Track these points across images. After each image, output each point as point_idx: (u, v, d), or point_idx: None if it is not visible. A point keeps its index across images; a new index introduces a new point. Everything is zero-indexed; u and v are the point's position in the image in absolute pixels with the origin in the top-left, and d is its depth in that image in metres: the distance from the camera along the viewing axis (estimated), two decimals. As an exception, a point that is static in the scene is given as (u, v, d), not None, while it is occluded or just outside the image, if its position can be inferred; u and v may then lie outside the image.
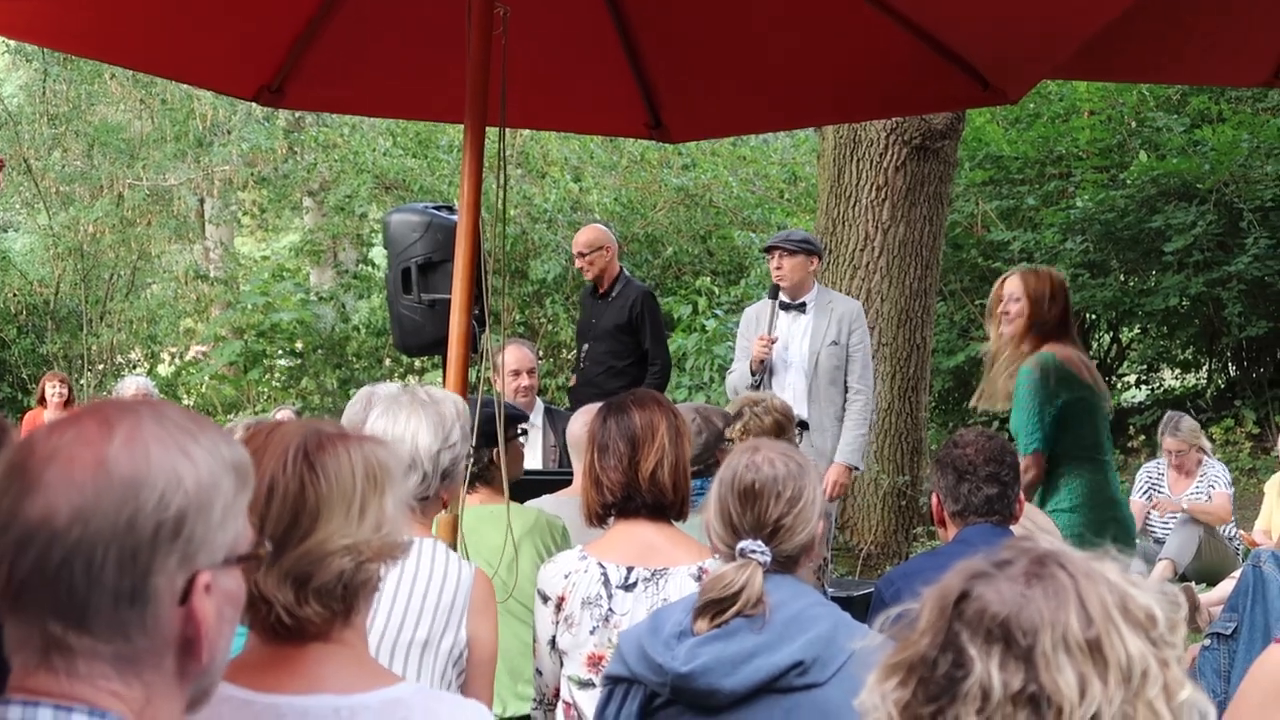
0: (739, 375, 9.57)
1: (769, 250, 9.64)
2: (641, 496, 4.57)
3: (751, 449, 3.93)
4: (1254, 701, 3.47)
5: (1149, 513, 11.79)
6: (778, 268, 9.46)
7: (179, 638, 2.04)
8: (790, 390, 9.29)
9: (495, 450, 5.61)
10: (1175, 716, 1.92)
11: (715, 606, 3.68)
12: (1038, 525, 6.10)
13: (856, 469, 9.75)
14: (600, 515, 4.70)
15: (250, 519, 2.56)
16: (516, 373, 9.55)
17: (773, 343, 9.30)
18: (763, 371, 9.32)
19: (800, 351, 9.42)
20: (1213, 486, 11.64)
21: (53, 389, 15.92)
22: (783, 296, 9.49)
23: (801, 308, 9.48)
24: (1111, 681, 1.87)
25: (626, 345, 10.59)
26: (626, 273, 11.05)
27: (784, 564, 3.79)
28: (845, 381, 9.46)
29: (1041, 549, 1.99)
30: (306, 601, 2.61)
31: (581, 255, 10.89)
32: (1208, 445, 12.20)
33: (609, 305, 10.74)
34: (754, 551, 3.70)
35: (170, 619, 2.02)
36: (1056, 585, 1.92)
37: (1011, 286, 7.40)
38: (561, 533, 5.69)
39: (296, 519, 2.62)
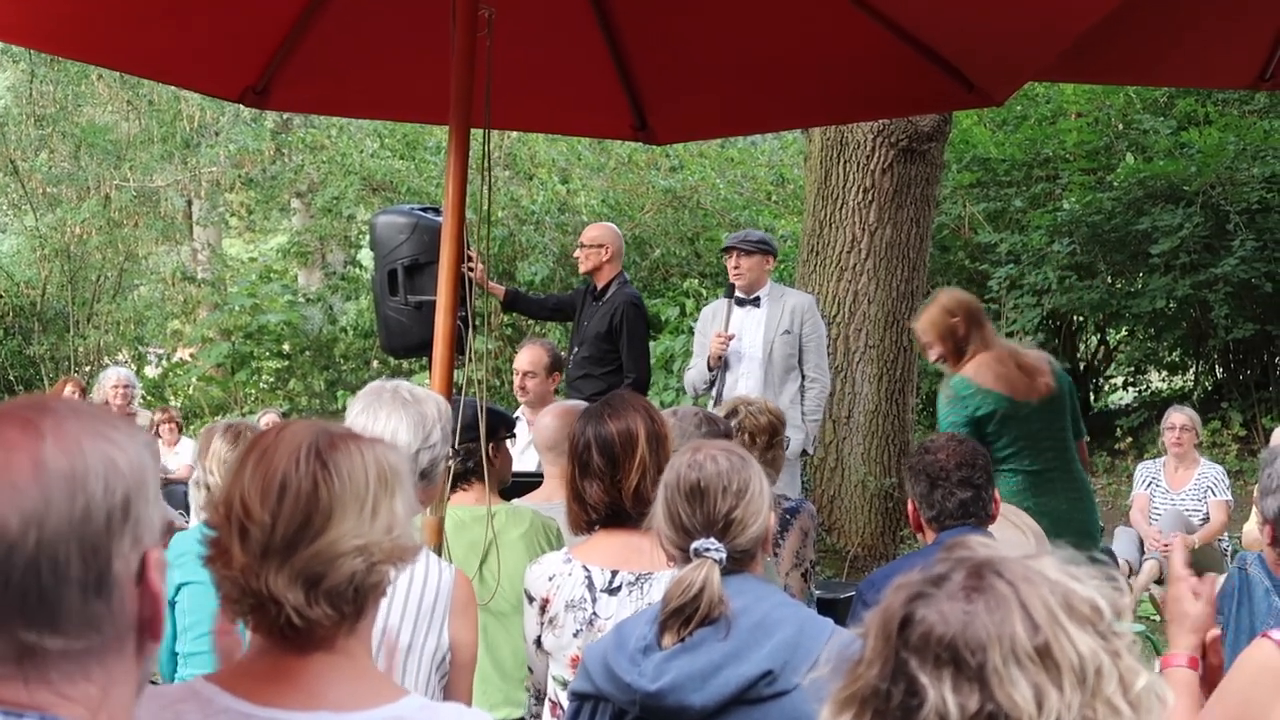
0: (697, 372, 9.97)
1: (726, 250, 9.98)
2: (627, 513, 4.54)
3: (692, 449, 3.90)
4: (1237, 687, 3.49)
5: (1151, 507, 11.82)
6: (735, 267, 9.88)
7: (139, 618, 2.04)
8: (744, 381, 9.57)
9: (488, 447, 5.62)
10: (1135, 707, 1.90)
11: (680, 616, 3.64)
12: (1021, 522, 6.10)
13: (808, 454, 10.32)
14: (586, 526, 4.68)
15: (261, 516, 2.56)
16: (516, 372, 9.72)
17: (730, 339, 9.52)
18: (721, 367, 9.54)
19: (754, 341, 9.77)
20: (1210, 491, 11.64)
21: (69, 394, 15.83)
22: (738, 293, 9.85)
23: (755, 302, 9.91)
24: (1067, 686, 1.85)
25: (606, 353, 10.64)
26: (625, 278, 11.07)
27: (740, 560, 3.75)
28: (800, 370, 9.73)
29: (977, 557, 1.97)
30: (317, 603, 2.56)
31: (582, 246, 10.95)
32: (1202, 434, 12.25)
33: (599, 308, 10.80)
34: (708, 549, 3.67)
35: (131, 601, 2.02)
36: (997, 596, 1.89)
37: (918, 331, 7.56)
38: (556, 533, 5.68)
39: (309, 518, 2.57)
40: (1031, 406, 7.33)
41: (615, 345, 10.59)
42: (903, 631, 1.91)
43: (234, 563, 2.58)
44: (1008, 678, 1.84)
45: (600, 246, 10.86)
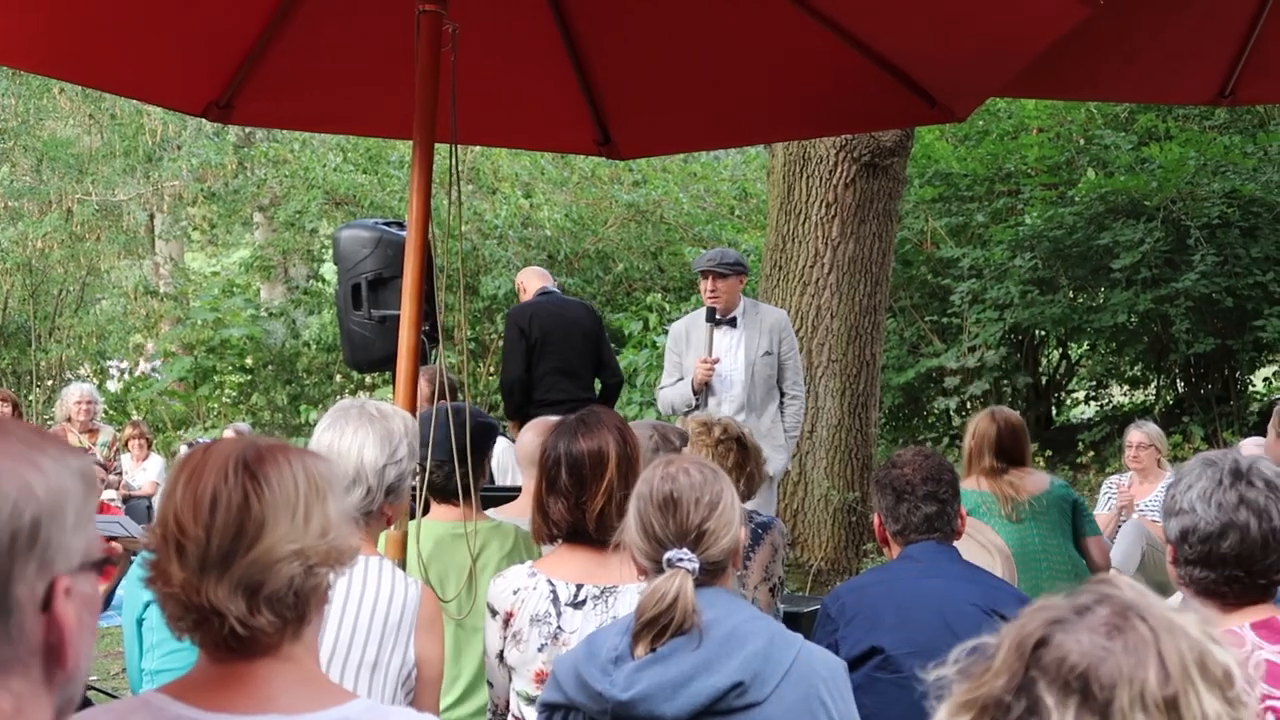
0: (677, 394, 9.86)
1: (704, 274, 9.85)
2: (588, 534, 4.55)
3: (665, 462, 3.93)
4: None
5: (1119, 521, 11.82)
6: (712, 290, 9.72)
7: (44, 645, 2.03)
8: (728, 405, 9.56)
9: (471, 460, 5.63)
10: None
11: (654, 626, 3.66)
12: (987, 540, 6.12)
13: (788, 471, 10.39)
14: (549, 539, 4.69)
15: (195, 531, 2.58)
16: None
17: (715, 363, 9.47)
18: (706, 392, 9.51)
19: (735, 364, 9.69)
20: None
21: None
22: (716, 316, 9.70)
23: (732, 322, 9.80)
24: None
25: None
26: (542, 290, 11.53)
27: (711, 572, 3.77)
28: (780, 388, 9.74)
29: (1124, 597, 1.95)
30: (259, 611, 2.61)
31: None
32: (1165, 448, 12.25)
33: None
34: (681, 560, 3.69)
35: (34, 626, 2.01)
36: (1138, 638, 1.88)
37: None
38: (537, 552, 5.68)
39: (242, 528, 2.62)
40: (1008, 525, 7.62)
41: None
42: (1036, 650, 1.90)
43: (173, 580, 2.63)
44: None
45: (520, 290, 11.68)
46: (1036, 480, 7.99)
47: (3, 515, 1.97)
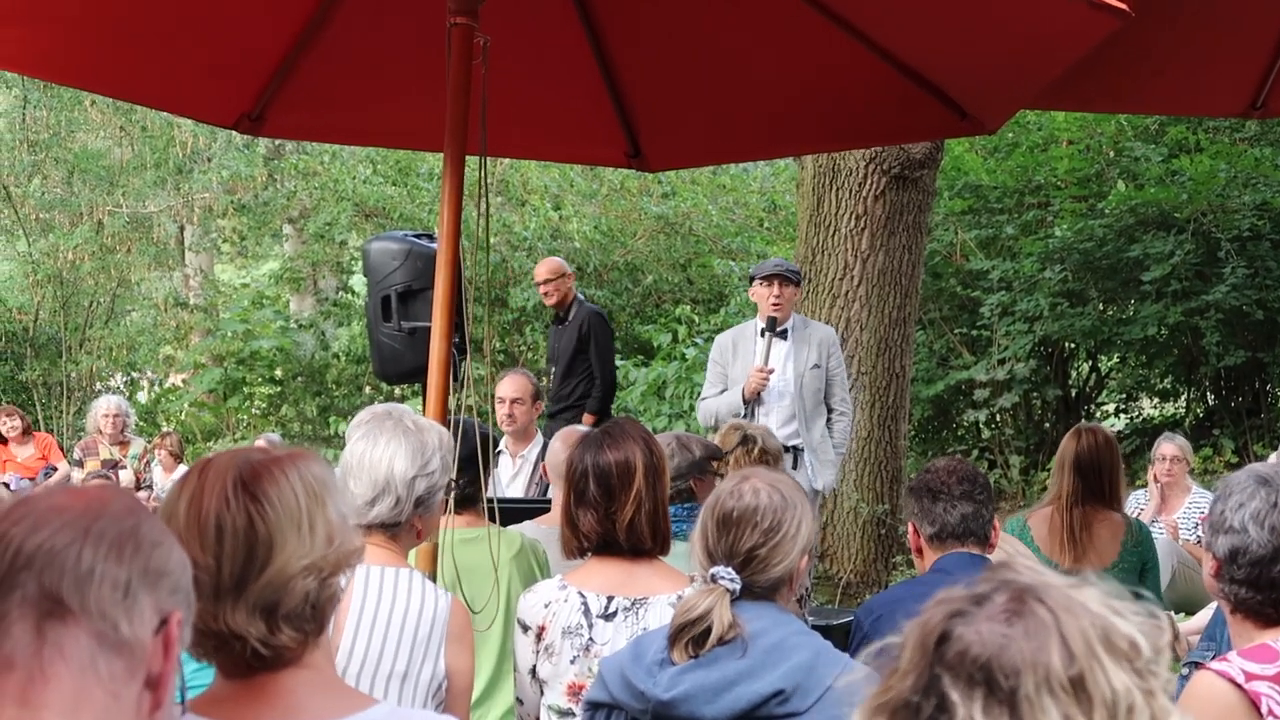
0: (724, 403, 9.69)
1: (769, 279, 9.71)
2: (619, 544, 4.55)
3: (743, 476, 3.92)
4: None
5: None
6: (777, 296, 9.58)
7: (146, 670, 2.05)
8: (776, 415, 9.47)
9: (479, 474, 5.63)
10: None
11: (686, 633, 3.67)
12: (1015, 552, 6.09)
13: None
14: (578, 553, 4.68)
15: (205, 560, 2.58)
16: (502, 400, 9.71)
17: (770, 373, 9.42)
18: (754, 402, 9.44)
19: (785, 376, 9.59)
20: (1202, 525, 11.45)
21: (2, 424, 15.77)
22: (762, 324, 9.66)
23: (783, 334, 9.62)
24: None
25: (577, 369, 11.07)
26: (581, 297, 11.76)
27: (759, 594, 3.77)
28: (828, 404, 9.66)
29: (1021, 581, 1.95)
30: (279, 629, 2.62)
31: (547, 282, 11.42)
32: (1193, 461, 12.17)
33: (566, 330, 11.23)
34: (722, 578, 3.69)
35: (147, 637, 2.05)
36: (1037, 622, 1.88)
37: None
38: (544, 557, 5.69)
39: (252, 552, 2.63)
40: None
41: (587, 354, 10.94)
42: (939, 647, 1.90)
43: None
44: (1039, 705, 1.82)
45: (563, 275, 11.70)
46: (1109, 540, 7.29)
47: (155, 527, 2.08)
